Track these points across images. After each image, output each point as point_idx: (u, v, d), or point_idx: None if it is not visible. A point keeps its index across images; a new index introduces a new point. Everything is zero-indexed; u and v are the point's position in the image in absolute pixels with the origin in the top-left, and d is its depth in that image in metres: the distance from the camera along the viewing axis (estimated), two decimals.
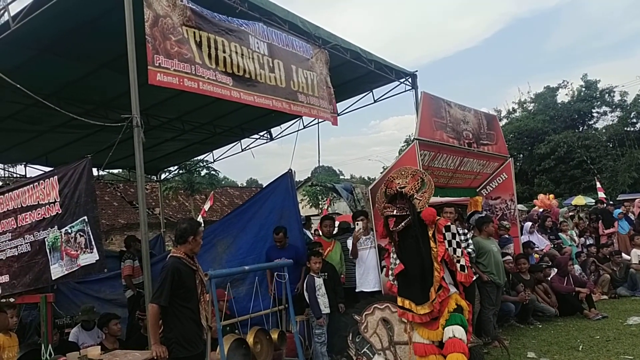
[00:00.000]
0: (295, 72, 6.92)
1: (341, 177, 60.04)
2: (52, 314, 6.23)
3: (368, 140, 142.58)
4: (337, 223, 10.98)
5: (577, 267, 10.17)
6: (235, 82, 6.07)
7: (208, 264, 6.86)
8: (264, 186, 8.83)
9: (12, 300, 6.28)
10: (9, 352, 5.24)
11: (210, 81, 5.75)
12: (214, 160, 13.97)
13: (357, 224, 6.94)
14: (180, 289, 4.41)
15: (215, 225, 7.94)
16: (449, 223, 4.94)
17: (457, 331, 4.68)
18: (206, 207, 20.69)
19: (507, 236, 8.81)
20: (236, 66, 6.08)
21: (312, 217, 13.96)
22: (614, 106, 34.34)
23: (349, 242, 7.21)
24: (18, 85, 5.58)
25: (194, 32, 5.64)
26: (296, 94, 6.91)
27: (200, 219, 18.19)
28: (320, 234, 7.93)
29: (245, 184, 61.78)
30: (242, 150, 12.75)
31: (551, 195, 15.57)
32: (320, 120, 9.42)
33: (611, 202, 16.20)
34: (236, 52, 6.10)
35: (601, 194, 18.96)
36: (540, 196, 15.12)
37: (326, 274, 6.92)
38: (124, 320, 7.93)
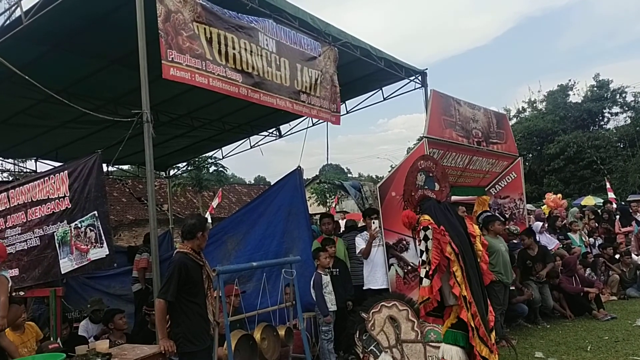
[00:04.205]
0: (300, 70, 6.93)
1: (349, 175, 60.05)
2: (61, 307, 6.28)
3: (376, 139, 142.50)
4: (344, 222, 11.01)
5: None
6: (244, 79, 6.10)
7: (218, 261, 6.89)
8: (272, 183, 8.84)
9: (21, 293, 6.33)
10: (23, 347, 5.26)
11: (219, 77, 5.78)
12: (223, 157, 14.01)
13: (374, 222, 6.93)
14: (187, 284, 4.44)
15: (225, 222, 7.96)
16: (428, 225, 4.58)
17: (446, 352, 4.54)
18: (214, 203, 20.78)
19: (515, 241, 8.75)
20: (245, 63, 6.10)
21: (314, 216, 13.88)
22: (626, 107, 34.09)
23: (358, 240, 7.20)
24: (32, 81, 5.62)
25: (205, 29, 5.66)
26: (299, 93, 6.93)
27: (208, 215, 18.27)
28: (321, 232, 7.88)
29: (253, 182, 61.90)
30: (251, 147, 12.78)
31: (559, 195, 15.47)
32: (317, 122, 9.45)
33: (623, 202, 16.07)
34: (245, 49, 6.12)
35: (611, 195, 18.82)
36: (551, 196, 14.99)
37: (337, 270, 6.93)
38: (132, 315, 8.00)
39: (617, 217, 13.15)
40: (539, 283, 8.41)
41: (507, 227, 8.83)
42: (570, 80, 37.76)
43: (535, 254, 8.53)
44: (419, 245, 4.60)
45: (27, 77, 5.60)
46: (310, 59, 7.16)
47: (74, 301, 7.90)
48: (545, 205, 14.90)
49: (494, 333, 4.60)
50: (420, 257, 4.56)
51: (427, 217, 4.60)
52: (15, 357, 4.63)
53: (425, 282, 4.45)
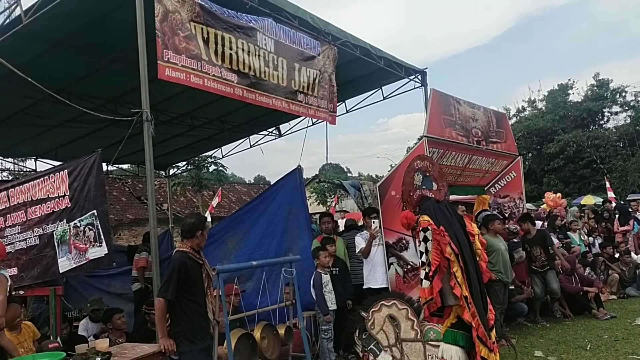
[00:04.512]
0: (297, 70, 6.95)
1: (349, 174, 60.11)
2: (61, 306, 6.28)
3: (376, 138, 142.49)
4: (343, 221, 11.00)
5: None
6: (240, 79, 6.12)
7: (218, 260, 6.89)
8: (272, 183, 8.85)
9: (21, 292, 6.32)
10: (19, 348, 5.24)
11: (215, 78, 5.81)
12: (223, 156, 14.01)
13: (374, 222, 6.93)
14: (187, 283, 4.46)
15: (225, 221, 7.98)
16: (427, 226, 4.53)
17: (445, 352, 4.53)
18: (214, 203, 20.78)
19: (515, 240, 8.71)
20: (242, 63, 6.12)
21: (314, 215, 13.86)
22: (626, 106, 34.11)
23: (358, 239, 7.21)
24: (32, 81, 5.61)
25: (202, 29, 5.68)
26: (296, 93, 6.94)
27: (207, 214, 18.27)
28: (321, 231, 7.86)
29: (252, 181, 61.92)
30: (251, 147, 12.76)
31: (559, 195, 15.47)
32: (316, 121, 9.45)
33: (622, 202, 16.08)
34: (243, 49, 6.13)
35: (611, 194, 18.83)
36: (550, 195, 14.98)
37: (337, 269, 6.94)
38: (132, 314, 8.00)
39: (617, 216, 13.17)
40: (541, 271, 8.20)
41: (507, 226, 8.82)
42: (570, 79, 37.87)
43: (532, 237, 8.39)
44: (419, 246, 4.58)
45: (27, 78, 5.59)
46: (309, 58, 7.17)
47: (74, 300, 7.91)
48: (544, 205, 14.91)
49: (494, 331, 4.58)
50: (420, 258, 4.54)
51: (426, 217, 4.57)
52: (14, 356, 4.62)
53: (425, 283, 4.44)
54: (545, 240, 8.31)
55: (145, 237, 9.34)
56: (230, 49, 5.99)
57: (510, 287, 7.72)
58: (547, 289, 8.25)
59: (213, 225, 12.14)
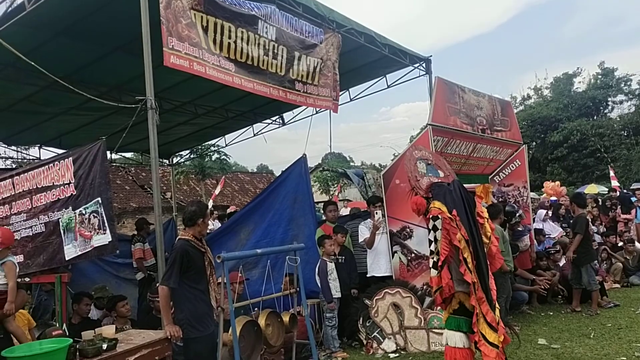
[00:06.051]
0: (297, 59, 6.93)
1: (351, 163, 59.97)
2: (67, 293, 6.31)
3: (378, 127, 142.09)
4: (348, 209, 11.00)
5: None
6: (238, 69, 6.12)
7: (230, 250, 6.91)
8: (274, 172, 8.85)
9: (27, 279, 6.35)
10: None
11: (214, 66, 5.83)
12: (226, 145, 14.03)
13: (377, 213, 6.93)
14: (190, 270, 4.50)
15: (237, 214, 8.01)
16: (437, 214, 4.39)
17: (449, 338, 4.53)
18: (217, 191, 20.83)
19: (520, 228, 8.66)
20: (240, 52, 6.12)
21: (317, 204, 13.84)
22: (630, 95, 33.95)
23: (362, 229, 7.22)
24: (39, 67, 5.60)
25: (202, 17, 5.67)
26: (294, 82, 6.94)
27: (210, 203, 18.35)
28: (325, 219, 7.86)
29: (255, 170, 61.96)
30: (254, 135, 12.76)
31: (557, 183, 15.38)
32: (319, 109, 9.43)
33: (625, 191, 16.04)
34: (242, 39, 6.13)
35: (615, 183, 18.77)
36: (550, 184, 14.89)
37: (343, 257, 6.96)
38: (136, 302, 8.04)
39: (619, 206, 13.14)
40: (574, 256, 8.03)
41: None
42: (578, 68, 37.72)
43: (574, 218, 8.30)
44: (429, 234, 4.56)
45: (33, 64, 5.57)
46: (311, 46, 7.13)
47: (82, 284, 7.93)
48: (545, 194, 14.86)
49: (497, 311, 4.56)
50: (430, 246, 4.53)
51: (437, 204, 4.50)
52: (23, 342, 4.66)
53: (433, 272, 4.44)
54: (575, 226, 8.17)
55: (138, 225, 9.25)
56: (229, 37, 5.98)
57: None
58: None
59: (221, 215, 12.15)
